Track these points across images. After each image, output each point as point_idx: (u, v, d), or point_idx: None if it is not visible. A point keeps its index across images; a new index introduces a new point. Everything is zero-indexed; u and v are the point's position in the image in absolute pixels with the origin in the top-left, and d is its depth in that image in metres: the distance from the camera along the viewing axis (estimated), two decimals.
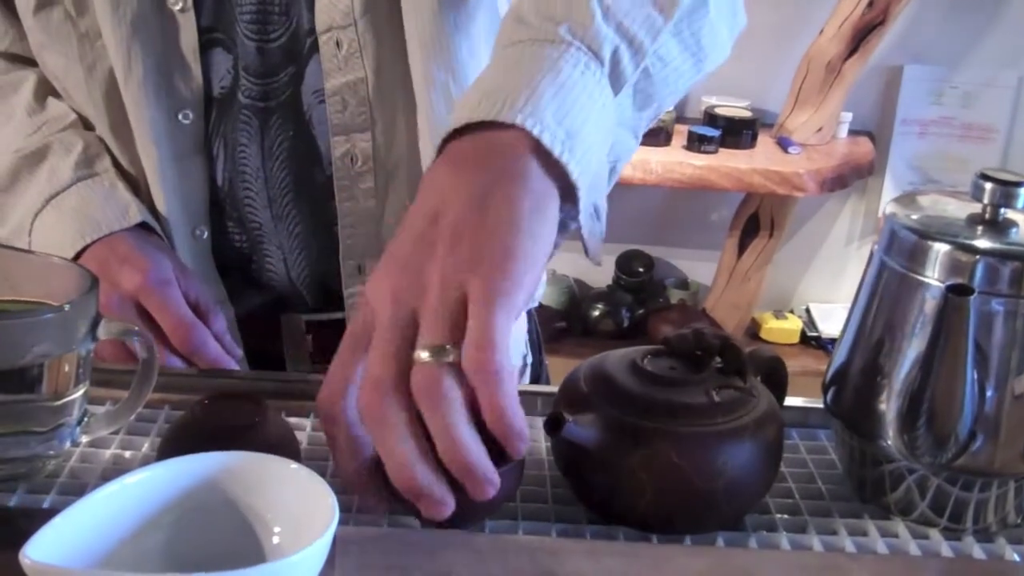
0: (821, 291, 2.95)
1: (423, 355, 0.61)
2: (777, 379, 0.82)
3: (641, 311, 2.75)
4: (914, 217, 0.77)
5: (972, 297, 0.68)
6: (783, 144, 2.59)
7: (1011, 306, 0.73)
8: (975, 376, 0.71)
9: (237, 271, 1.03)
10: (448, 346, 0.61)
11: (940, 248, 0.74)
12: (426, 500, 0.61)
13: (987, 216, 0.76)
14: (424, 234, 0.66)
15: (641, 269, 2.80)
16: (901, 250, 0.76)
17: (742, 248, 2.70)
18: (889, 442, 0.75)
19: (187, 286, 0.94)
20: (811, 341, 2.81)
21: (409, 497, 0.61)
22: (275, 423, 0.74)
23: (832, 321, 2.82)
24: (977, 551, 0.75)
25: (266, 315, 1.05)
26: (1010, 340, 0.73)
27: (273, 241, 1.00)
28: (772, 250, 2.70)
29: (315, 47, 0.94)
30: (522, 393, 0.88)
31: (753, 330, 2.83)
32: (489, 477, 0.62)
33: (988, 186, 0.75)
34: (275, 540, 0.59)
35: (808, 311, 2.88)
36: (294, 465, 0.60)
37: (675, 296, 2.82)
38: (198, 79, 0.94)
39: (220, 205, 0.99)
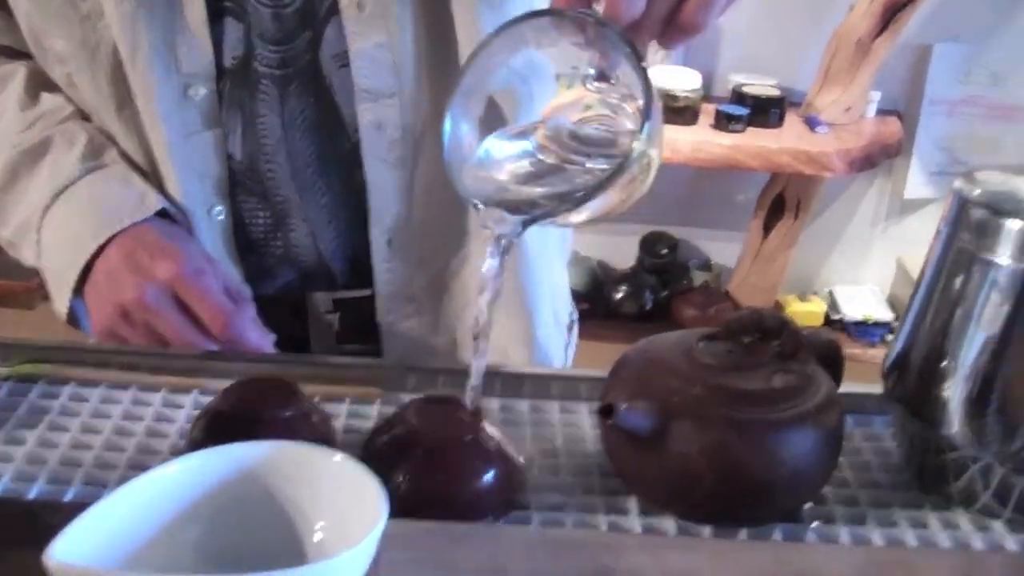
0: (845, 273, 2.91)
1: None
2: (833, 364, 0.78)
3: (664, 293, 2.71)
4: (983, 193, 0.73)
5: None
6: (811, 123, 2.54)
7: None
8: None
9: (263, 250, 1.00)
10: None
11: (1013, 225, 0.70)
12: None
13: None
14: None
15: (665, 251, 2.76)
16: (970, 227, 0.72)
17: (767, 229, 2.66)
18: (954, 429, 0.72)
19: (215, 273, 0.91)
20: (835, 324, 2.77)
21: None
22: (311, 410, 0.71)
23: (855, 304, 2.78)
24: None
25: (292, 295, 1.02)
26: None
27: (299, 215, 0.97)
28: (797, 231, 2.66)
29: (333, 9, 0.91)
30: (565, 378, 0.86)
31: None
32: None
33: None
34: (317, 537, 0.56)
35: (831, 294, 2.84)
36: (339, 456, 0.57)
37: (698, 278, 2.78)
38: (208, 51, 0.91)
39: (240, 181, 0.96)
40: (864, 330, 2.71)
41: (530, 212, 0.67)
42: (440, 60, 0.93)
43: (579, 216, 0.66)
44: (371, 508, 0.53)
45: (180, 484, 0.55)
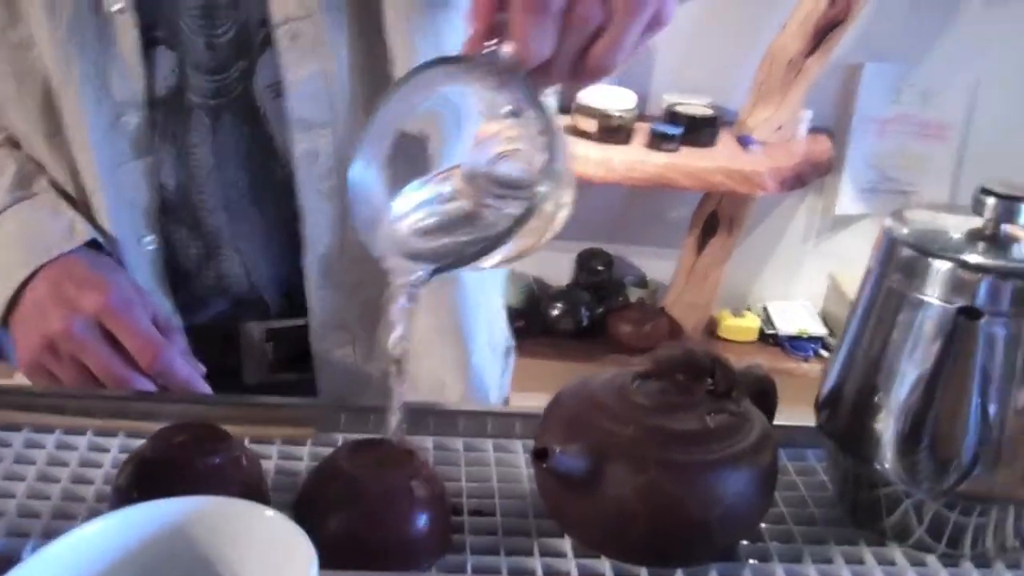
0: (778, 289, 2.93)
1: None
2: (766, 399, 0.78)
3: (600, 310, 2.71)
4: (912, 232, 0.74)
5: (982, 320, 0.65)
6: (744, 142, 2.56)
7: (1014, 327, 0.70)
8: (978, 400, 0.68)
9: (194, 280, 0.98)
10: None
11: (941, 266, 0.71)
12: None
13: (988, 232, 0.73)
14: None
15: (600, 267, 2.77)
16: (900, 266, 0.73)
17: (701, 246, 2.67)
18: (887, 465, 0.72)
19: (144, 304, 0.89)
20: (769, 339, 2.79)
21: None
22: (241, 457, 0.70)
23: (789, 319, 2.80)
24: None
25: (224, 325, 1.01)
26: (1012, 361, 0.70)
27: (231, 244, 0.96)
28: (730, 248, 2.67)
29: (267, 40, 0.90)
30: (499, 415, 0.85)
31: (712, 328, 2.80)
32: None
33: (990, 201, 0.72)
34: None
35: (766, 309, 2.86)
36: (269, 512, 0.55)
37: (634, 295, 2.79)
38: (140, 80, 0.90)
39: (172, 211, 0.95)
40: (798, 345, 2.73)
41: (436, 263, 0.67)
42: (375, 90, 0.92)
43: (490, 261, 0.66)
44: (301, 566, 0.52)
45: (102, 545, 0.53)
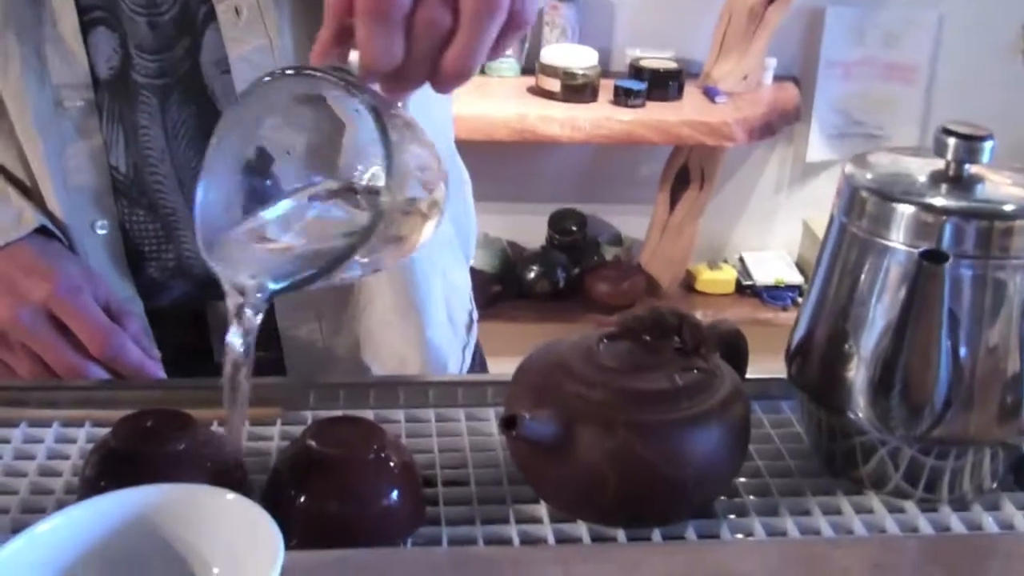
0: (753, 240, 2.93)
1: None
2: (737, 353, 0.78)
3: (576, 270, 2.70)
4: (874, 177, 0.73)
5: (947, 263, 0.64)
6: (710, 94, 2.55)
7: (980, 268, 0.69)
8: (948, 343, 0.67)
9: (154, 262, 0.97)
10: None
11: (905, 210, 0.70)
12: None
13: (951, 173, 0.72)
14: None
15: (574, 228, 2.75)
16: (863, 213, 0.72)
17: (674, 201, 2.66)
18: (860, 414, 0.72)
19: (95, 290, 0.89)
20: (746, 290, 2.79)
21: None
22: (208, 440, 0.69)
23: (765, 269, 2.80)
24: (955, 522, 0.72)
25: (190, 306, 1.00)
26: (980, 303, 0.70)
27: (190, 226, 0.95)
28: (704, 202, 2.66)
29: (211, 16, 0.89)
30: (470, 384, 0.85)
31: (689, 282, 2.80)
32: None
33: (951, 141, 0.71)
34: None
35: (742, 260, 2.86)
36: (231, 496, 0.55)
37: (609, 253, 2.78)
38: (82, 62, 0.89)
39: (126, 194, 0.94)
40: (776, 294, 2.73)
41: (276, 283, 0.64)
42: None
43: (352, 272, 0.64)
44: (267, 549, 0.51)
45: (66, 538, 0.53)
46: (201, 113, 0.92)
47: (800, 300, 2.70)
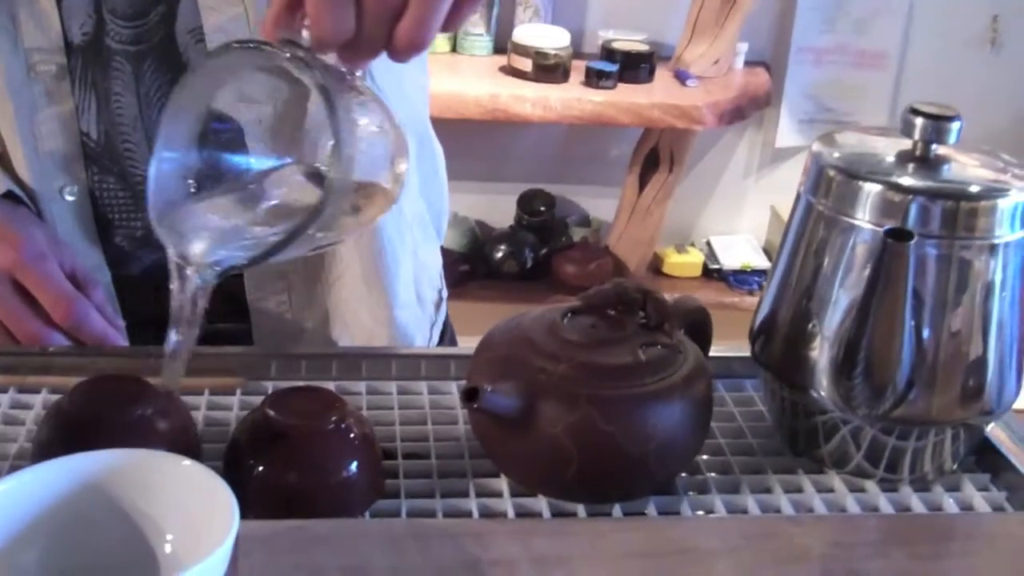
0: (721, 224, 2.93)
1: None
2: (701, 330, 0.77)
3: (544, 250, 2.69)
4: (841, 156, 0.73)
5: (912, 242, 0.64)
6: (681, 77, 2.54)
7: (945, 248, 0.69)
8: (912, 323, 0.67)
9: (123, 231, 0.96)
10: None
11: (871, 188, 0.70)
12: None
13: (918, 153, 0.72)
14: None
15: (543, 208, 2.74)
16: (829, 191, 0.72)
17: (643, 184, 2.65)
18: (823, 393, 0.72)
19: (61, 257, 0.87)
20: (713, 274, 2.79)
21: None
22: (165, 406, 0.68)
23: (732, 253, 2.80)
24: (915, 502, 0.73)
25: (158, 275, 0.98)
26: (944, 283, 0.70)
27: None
28: (672, 185, 2.66)
29: None
30: (433, 357, 0.84)
31: (656, 265, 2.80)
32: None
33: (919, 121, 0.71)
34: (168, 548, 0.53)
35: (709, 244, 2.86)
36: (186, 461, 0.54)
37: (578, 234, 2.77)
38: (55, 25, 0.88)
39: (98, 161, 0.92)
40: (742, 278, 2.74)
41: (224, 261, 0.64)
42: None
43: (307, 246, 0.63)
44: (222, 516, 0.50)
45: (15, 502, 0.51)
46: (174, 82, 0.90)
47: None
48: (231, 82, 0.66)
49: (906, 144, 0.73)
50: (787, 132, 2.82)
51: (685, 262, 2.79)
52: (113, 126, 0.91)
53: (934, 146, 0.72)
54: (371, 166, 0.64)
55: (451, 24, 0.63)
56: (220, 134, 0.67)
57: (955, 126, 0.71)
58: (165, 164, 0.66)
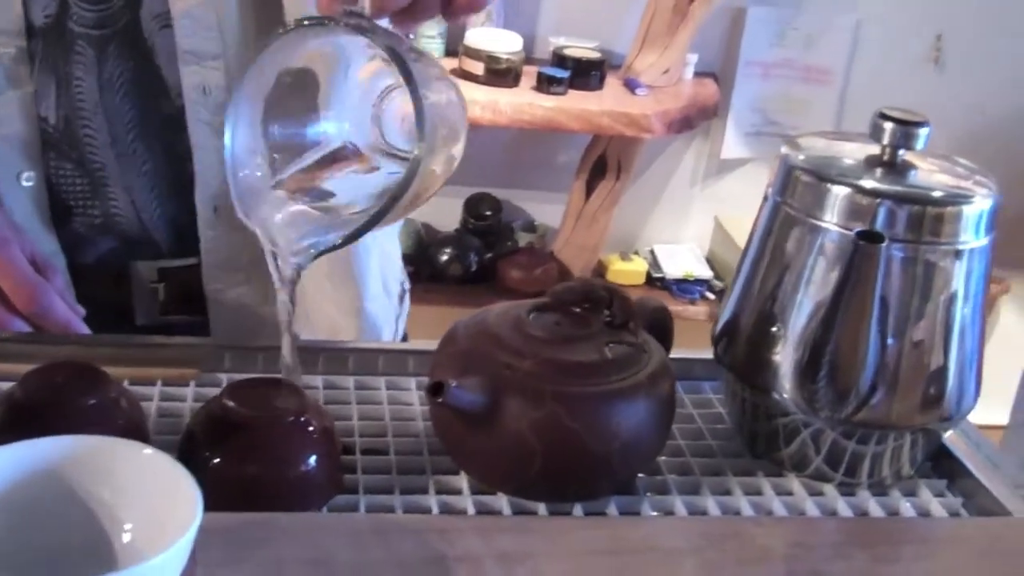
0: (665, 232, 2.94)
1: None
2: (663, 330, 0.77)
3: (489, 255, 2.69)
4: (810, 158, 0.73)
5: (883, 245, 0.64)
6: (631, 85, 2.55)
7: (911, 252, 0.69)
8: (878, 326, 0.67)
9: (79, 218, 0.94)
10: None
11: (840, 191, 0.70)
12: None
13: (886, 158, 0.72)
14: None
15: (489, 212, 2.74)
16: (797, 193, 0.72)
17: (589, 190, 2.66)
18: (785, 395, 0.72)
19: (21, 243, 0.85)
20: (656, 282, 2.80)
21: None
22: (119, 397, 0.66)
23: (675, 262, 2.81)
24: (874, 506, 0.73)
25: (114, 264, 0.97)
26: (910, 288, 0.70)
27: (119, 182, 0.92)
28: (619, 192, 2.67)
29: None
30: (391, 352, 0.83)
31: (600, 272, 2.80)
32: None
33: (888, 126, 0.71)
34: (126, 538, 0.51)
35: (653, 252, 2.87)
36: (148, 450, 0.52)
37: (523, 239, 2.77)
38: (16, 7, 0.86)
39: (55, 146, 0.91)
40: (685, 288, 2.75)
41: (317, 243, 0.66)
42: (266, 20, 0.89)
43: (387, 223, 0.64)
44: (185, 506, 0.49)
45: None
46: (137, 68, 0.89)
47: (709, 295, 2.72)
48: (296, 60, 0.67)
49: (874, 149, 0.73)
50: (733, 144, 2.84)
51: (629, 270, 2.80)
52: (73, 111, 0.89)
53: (901, 151, 0.72)
54: (447, 128, 0.65)
55: None
56: (289, 113, 0.68)
57: (923, 132, 0.71)
58: (239, 149, 0.66)
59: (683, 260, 2.83)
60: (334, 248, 0.65)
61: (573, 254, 2.73)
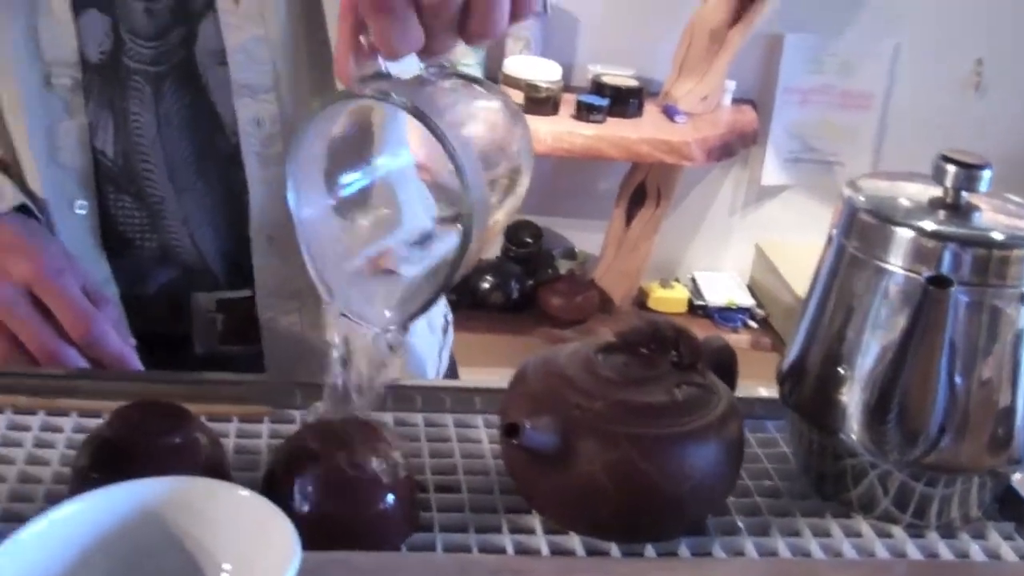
0: (706, 260, 2.95)
1: None
2: (727, 369, 0.78)
3: (530, 282, 2.70)
4: (873, 199, 0.74)
5: (952, 289, 0.65)
6: (669, 113, 2.56)
7: (977, 295, 0.70)
8: (947, 370, 0.68)
9: (136, 249, 0.96)
10: None
11: (905, 233, 0.71)
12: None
13: (949, 200, 0.73)
14: None
15: (530, 240, 2.75)
16: (861, 235, 0.73)
17: (630, 218, 2.67)
18: (853, 436, 0.72)
19: (75, 273, 0.87)
20: (698, 310, 2.80)
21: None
22: (202, 436, 0.67)
23: (717, 290, 2.82)
24: (943, 548, 0.73)
25: (174, 294, 0.99)
26: (976, 331, 0.70)
27: (177, 215, 0.95)
28: (659, 219, 2.68)
29: (209, 5, 0.89)
30: (459, 391, 0.84)
31: (641, 300, 2.81)
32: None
33: (951, 169, 0.72)
34: None
35: (694, 280, 2.87)
36: (245, 492, 0.54)
37: (564, 267, 2.78)
38: (71, 40, 0.89)
39: (113, 179, 0.93)
40: (727, 315, 2.75)
41: (409, 311, 0.66)
42: (314, 51, 0.92)
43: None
44: (281, 548, 0.50)
45: (72, 530, 0.51)
46: (194, 103, 0.91)
47: (751, 323, 2.72)
48: (339, 126, 0.67)
49: (936, 191, 0.74)
50: (772, 170, 2.85)
51: (670, 297, 2.80)
52: (131, 146, 0.92)
53: (964, 193, 0.73)
54: (505, 168, 0.66)
55: (519, 10, 0.63)
56: (347, 181, 0.68)
57: (986, 174, 0.72)
58: (306, 223, 0.66)
59: (724, 287, 2.83)
60: (418, 315, 0.66)
61: (614, 281, 2.73)
